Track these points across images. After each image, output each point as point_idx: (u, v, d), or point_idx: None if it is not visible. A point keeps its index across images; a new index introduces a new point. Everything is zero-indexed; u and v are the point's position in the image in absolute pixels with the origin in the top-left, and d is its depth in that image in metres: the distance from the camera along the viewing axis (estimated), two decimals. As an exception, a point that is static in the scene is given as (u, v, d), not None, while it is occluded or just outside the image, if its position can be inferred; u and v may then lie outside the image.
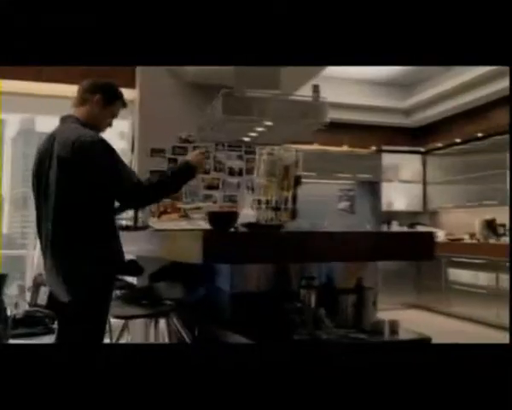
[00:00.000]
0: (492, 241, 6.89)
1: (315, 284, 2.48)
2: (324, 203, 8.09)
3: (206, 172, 5.43)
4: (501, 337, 5.55)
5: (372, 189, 8.53)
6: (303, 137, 5.38)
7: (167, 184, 2.71)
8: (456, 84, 6.87)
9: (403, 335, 2.39)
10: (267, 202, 2.89)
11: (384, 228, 8.33)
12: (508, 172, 6.66)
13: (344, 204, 8.37)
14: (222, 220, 2.48)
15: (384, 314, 7.60)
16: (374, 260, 2.45)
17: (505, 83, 6.36)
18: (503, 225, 6.89)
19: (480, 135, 7.21)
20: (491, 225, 7.09)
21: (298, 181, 3.09)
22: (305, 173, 7.96)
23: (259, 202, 2.99)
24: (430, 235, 2.32)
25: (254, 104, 3.70)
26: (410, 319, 7.11)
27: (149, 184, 2.70)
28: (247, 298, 2.66)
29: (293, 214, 2.96)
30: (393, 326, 2.45)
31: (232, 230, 2.46)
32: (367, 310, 2.47)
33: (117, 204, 2.71)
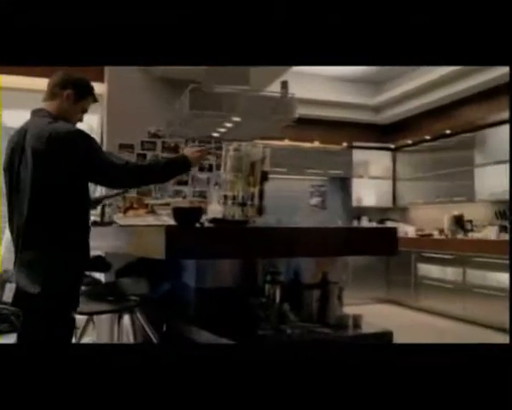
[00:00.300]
0: (460, 236, 7.00)
1: (280, 279, 2.48)
2: (296, 199, 8.18)
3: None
4: (467, 331, 5.66)
5: (343, 185, 8.60)
6: (273, 132, 5.38)
7: (156, 171, 2.67)
8: (425, 82, 6.94)
9: (366, 329, 2.42)
10: (233, 197, 2.89)
11: (354, 224, 8.42)
12: (474, 170, 6.80)
13: (315, 200, 8.42)
14: (186, 216, 2.47)
15: (355, 309, 7.65)
16: (338, 255, 2.47)
17: (473, 81, 6.46)
18: (471, 221, 7.01)
19: (448, 132, 7.32)
20: (459, 221, 7.21)
21: (265, 177, 3.08)
22: (277, 169, 8.06)
23: (226, 197, 2.98)
24: (393, 230, 2.35)
25: (222, 100, 3.69)
26: (380, 314, 7.22)
27: (138, 166, 2.66)
28: (212, 293, 2.66)
29: (260, 210, 2.95)
30: (357, 320, 2.47)
31: (197, 225, 2.45)
32: (332, 305, 2.49)
33: (103, 191, 2.65)
